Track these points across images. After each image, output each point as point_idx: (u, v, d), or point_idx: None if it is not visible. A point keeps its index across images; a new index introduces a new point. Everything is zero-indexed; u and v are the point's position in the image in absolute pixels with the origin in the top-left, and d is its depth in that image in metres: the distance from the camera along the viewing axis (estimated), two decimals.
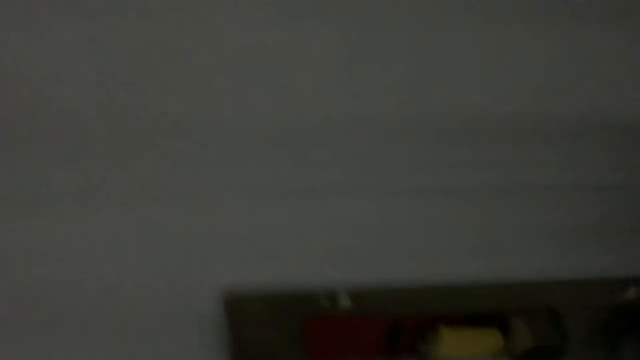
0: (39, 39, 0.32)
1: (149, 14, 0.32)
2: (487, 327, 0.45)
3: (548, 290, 0.43)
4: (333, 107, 0.35)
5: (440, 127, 0.35)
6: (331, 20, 0.33)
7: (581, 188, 0.39)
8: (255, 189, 0.37)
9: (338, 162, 0.36)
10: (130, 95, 0.34)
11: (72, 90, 0.33)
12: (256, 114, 0.35)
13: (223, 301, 0.39)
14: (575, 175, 0.38)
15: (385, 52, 0.35)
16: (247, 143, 0.36)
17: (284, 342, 0.44)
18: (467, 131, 0.36)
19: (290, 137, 0.35)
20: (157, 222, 0.36)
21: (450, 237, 0.40)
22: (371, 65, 0.34)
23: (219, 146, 0.36)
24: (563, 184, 0.39)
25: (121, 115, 0.34)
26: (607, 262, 0.42)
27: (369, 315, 0.43)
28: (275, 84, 0.35)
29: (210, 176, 0.36)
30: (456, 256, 0.41)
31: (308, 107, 0.35)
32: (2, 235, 0.34)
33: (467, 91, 0.36)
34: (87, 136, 0.34)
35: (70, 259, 0.38)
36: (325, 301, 0.39)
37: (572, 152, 0.37)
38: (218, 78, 0.34)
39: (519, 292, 0.43)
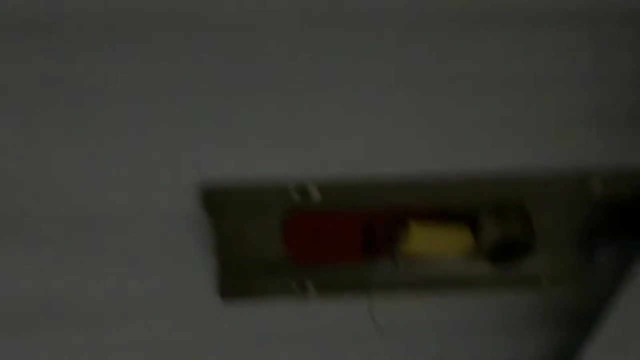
0: None
1: None
2: (458, 224, 0.47)
3: (516, 185, 0.44)
4: None
5: (408, 16, 0.36)
6: None
7: (548, 81, 0.39)
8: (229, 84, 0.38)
9: (305, 56, 0.37)
10: None
11: None
12: None
13: (200, 195, 0.42)
14: (541, 68, 0.39)
15: None
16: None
17: (264, 237, 0.47)
18: (437, 20, 0.36)
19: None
20: (136, 119, 0.38)
21: (419, 130, 0.40)
22: None
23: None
24: (530, 77, 0.39)
25: None
26: (573, 158, 0.43)
27: (345, 213, 0.45)
28: None
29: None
30: (426, 150, 0.42)
31: None
32: None
33: None
34: None
35: (51, 161, 0.40)
36: (296, 195, 0.42)
37: (534, 44, 0.38)
38: None
39: (487, 187, 0.44)
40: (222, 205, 0.42)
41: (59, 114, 0.38)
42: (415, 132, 0.41)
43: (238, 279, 0.49)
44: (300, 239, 0.46)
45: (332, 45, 0.36)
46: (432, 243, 0.46)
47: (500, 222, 0.46)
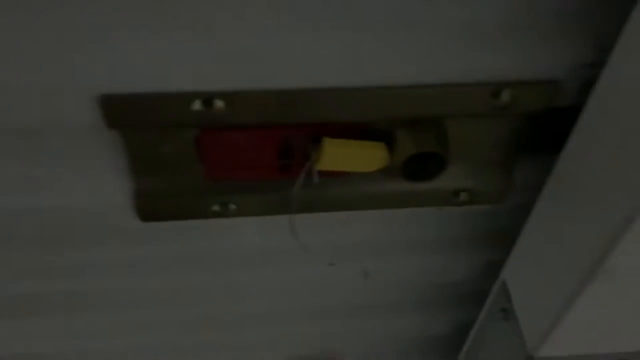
0: None
1: None
2: (373, 140, 0.46)
3: (430, 99, 0.44)
4: None
5: None
6: None
7: None
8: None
9: None
10: None
11: None
12: None
13: (101, 106, 0.40)
14: None
15: None
16: None
17: (178, 154, 0.46)
18: None
19: None
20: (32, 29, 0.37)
21: (331, 41, 0.40)
22: None
23: None
24: None
25: None
26: (485, 69, 0.43)
27: (258, 129, 0.44)
28: None
29: None
30: (337, 59, 0.41)
31: None
32: None
33: None
34: None
35: None
36: (200, 104, 0.41)
37: None
38: None
39: (401, 101, 0.44)
40: (126, 117, 0.41)
41: None
42: (327, 43, 0.40)
43: (157, 199, 0.49)
44: (215, 155, 0.45)
45: None
46: (346, 159, 0.46)
47: (415, 137, 0.46)
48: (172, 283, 0.59)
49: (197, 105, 0.41)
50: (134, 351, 0.69)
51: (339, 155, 0.46)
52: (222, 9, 0.37)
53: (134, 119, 0.42)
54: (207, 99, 0.41)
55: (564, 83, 0.43)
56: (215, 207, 0.49)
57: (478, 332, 0.66)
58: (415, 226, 0.57)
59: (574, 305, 0.44)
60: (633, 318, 0.47)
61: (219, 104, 0.41)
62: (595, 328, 0.48)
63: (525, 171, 0.52)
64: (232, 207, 0.50)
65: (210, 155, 0.45)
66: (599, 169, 0.41)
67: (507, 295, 0.56)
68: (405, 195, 0.52)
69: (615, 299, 0.44)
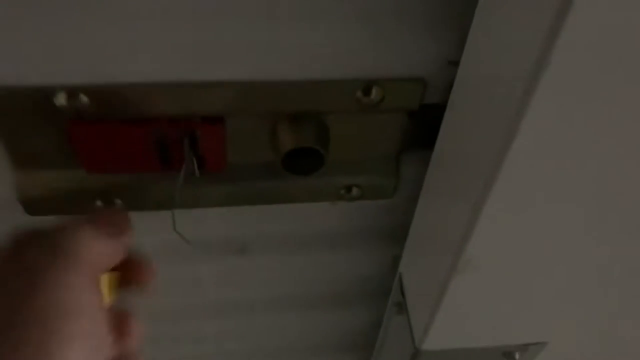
0: None
1: None
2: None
3: (310, 93, 0.44)
4: None
5: None
6: None
7: None
8: None
9: None
10: None
11: None
12: None
13: None
14: None
15: None
16: None
17: (53, 149, 0.46)
18: None
19: None
20: None
21: (194, 30, 0.39)
22: None
23: None
24: None
25: None
26: (347, 61, 0.43)
27: (127, 122, 0.44)
28: None
29: None
30: (202, 52, 0.41)
31: None
32: None
33: None
34: None
35: None
36: (63, 99, 0.41)
37: None
38: None
39: (281, 93, 0.44)
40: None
41: None
42: (186, 30, 0.40)
43: (42, 194, 0.49)
44: (87, 147, 0.45)
45: None
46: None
47: (294, 132, 0.46)
48: None
49: (61, 99, 0.41)
50: None
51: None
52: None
53: (1, 114, 0.41)
54: (71, 93, 0.41)
55: (432, 80, 0.44)
56: (99, 202, 0.49)
57: (382, 328, 0.67)
58: (315, 221, 0.58)
59: (444, 298, 0.45)
60: (508, 310, 0.49)
61: (84, 98, 0.41)
62: (471, 320, 0.49)
63: (413, 166, 0.53)
64: (118, 202, 0.50)
65: (82, 147, 0.45)
66: (456, 162, 0.42)
67: (402, 289, 0.57)
68: (296, 190, 0.52)
69: (482, 290, 0.45)
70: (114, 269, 0.36)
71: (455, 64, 0.44)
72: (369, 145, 0.50)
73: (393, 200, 0.56)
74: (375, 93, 0.44)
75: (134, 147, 0.46)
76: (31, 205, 0.50)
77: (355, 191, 0.54)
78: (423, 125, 0.48)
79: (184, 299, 0.66)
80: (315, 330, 0.75)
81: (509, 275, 0.44)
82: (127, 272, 0.36)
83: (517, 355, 0.53)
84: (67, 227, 0.32)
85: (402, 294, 0.56)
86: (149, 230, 0.54)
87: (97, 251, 0.32)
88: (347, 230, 0.60)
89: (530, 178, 0.35)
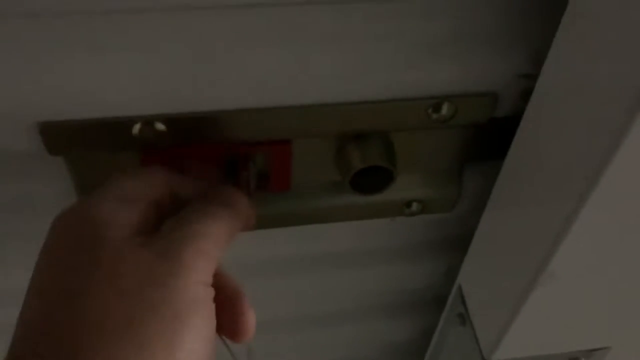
0: None
1: None
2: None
3: (374, 112, 0.44)
4: None
5: None
6: None
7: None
8: None
9: None
10: None
11: None
12: None
13: (41, 133, 0.40)
14: None
15: None
16: None
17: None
18: None
19: None
20: None
21: (264, 56, 0.40)
22: None
23: None
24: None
25: None
26: (424, 82, 0.43)
27: (201, 147, 0.44)
28: None
29: None
30: (275, 78, 0.41)
31: None
32: None
33: None
34: None
35: None
36: (140, 128, 0.41)
37: None
38: None
39: (345, 115, 0.44)
40: (67, 144, 0.41)
41: None
42: (258, 59, 0.40)
43: None
44: None
45: None
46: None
47: (362, 151, 0.46)
48: None
49: (136, 129, 0.41)
50: None
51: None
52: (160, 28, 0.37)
53: (75, 145, 0.41)
54: (147, 122, 0.40)
55: (502, 94, 0.45)
56: None
57: (438, 338, 0.67)
58: (371, 237, 0.58)
59: (522, 309, 0.45)
60: (580, 318, 0.49)
61: (160, 126, 0.41)
62: (545, 329, 0.49)
63: (474, 179, 0.53)
64: None
65: None
66: (537, 174, 0.42)
67: (463, 300, 0.57)
68: (358, 208, 0.52)
69: (560, 301, 0.45)
70: None
71: (525, 77, 0.44)
72: (433, 160, 0.50)
73: (452, 213, 0.56)
74: (446, 109, 0.44)
75: (204, 171, 0.45)
76: None
77: (415, 206, 0.54)
78: (489, 138, 0.48)
79: None
80: (364, 341, 0.75)
81: (587, 286, 0.45)
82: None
83: None
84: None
85: (464, 305, 0.56)
86: None
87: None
88: (402, 245, 0.60)
89: (626, 191, 0.35)
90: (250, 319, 0.34)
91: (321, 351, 0.75)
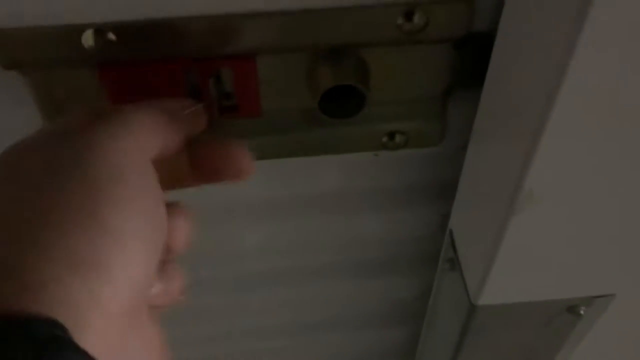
0: None
1: None
2: None
3: (338, 21, 0.41)
4: None
5: None
6: None
7: None
8: None
9: None
10: None
11: None
12: None
13: None
14: None
15: None
16: None
17: (81, 92, 0.45)
18: None
19: None
20: None
21: None
22: None
23: None
24: None
25: None
26: None
27: (159, 61, 0.42)
28: None
29: None
30: None
31: None
32: None
33: None
34: None
35: None
36: (91, 37, 0.39)
37: None
38: None
39: (313, 23, 0.41)
40: (20, 54, 0.40)
41: None
42: None
43: None
44: (121, 93, 0.44)
45: None
46: None
47: (332, 68, 0.43)
48: None
49: (87, 38, 0.39)
50: None
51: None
52: None
53: (27, 57, 0.40)
54: (98, 30, 0.39)
55: (480, 4, 0.40)
56: None
57: (435, 289, 0.63)
58: (358, 176, 0.55)
59: (504, 241, 0.42)
60: (574, 258, 0.44)
61: (111, 36, 0.39)
62: (535, 270, 0.45)
63: (460, 109, 0.49)
64: None
65: (115, 93, 0.43)
66: (507, 96, 0.38)
67: (453, 244, 0.53)
68: (337, 139, 0.49)
69: (547, 233, 0.41)
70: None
71: None
72: (411, 85, 0.46)
73: (441, 151, 0.52)
74: (418, 18, 0.40)
75: (165, 91, 0.43)
76: None
77: (398, 138, 0.50)
78: (470, 58, 0.44)
79: (228, 267, 0.64)
80: (362, 299, 0.72)
81: (573, 216, 0.40)
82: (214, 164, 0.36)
83: (581, 310, 0.49)
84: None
85: (454, 249, 0.53)
86: None
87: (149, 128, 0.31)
88: (393, 187, 0.56)
89: (590, 101, 0.31)
90: (247, 155, 0.36)
91: (315, 308, 0.73)
